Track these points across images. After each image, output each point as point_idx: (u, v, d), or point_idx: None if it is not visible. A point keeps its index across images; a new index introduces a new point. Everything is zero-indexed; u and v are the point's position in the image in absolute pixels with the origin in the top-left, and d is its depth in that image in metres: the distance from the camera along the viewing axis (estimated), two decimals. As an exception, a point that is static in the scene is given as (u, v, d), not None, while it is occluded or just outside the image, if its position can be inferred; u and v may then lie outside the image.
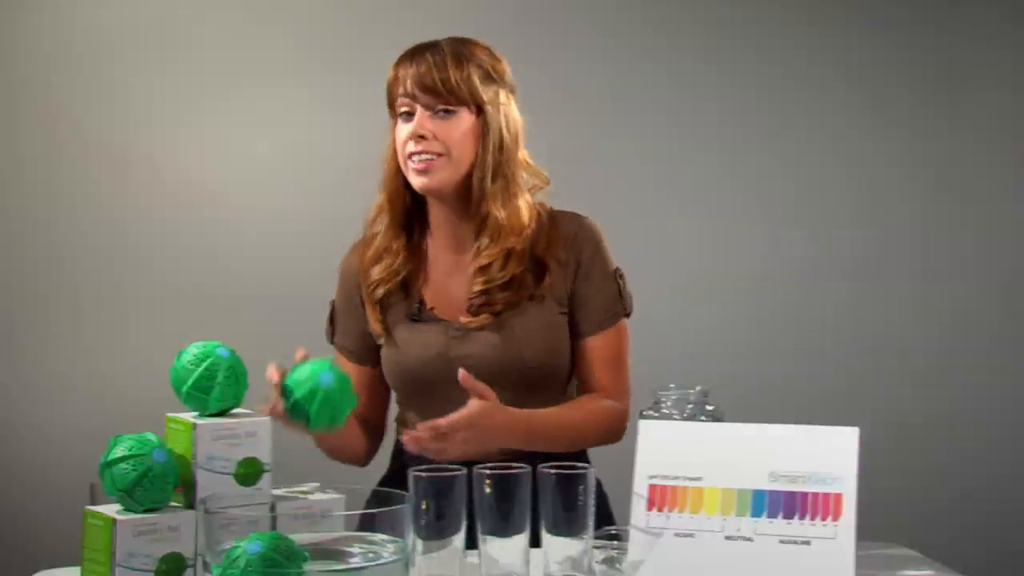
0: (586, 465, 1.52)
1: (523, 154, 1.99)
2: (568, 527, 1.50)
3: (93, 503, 1.59)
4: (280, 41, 3.23)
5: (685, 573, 1.49)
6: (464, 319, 1.95)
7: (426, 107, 1.92)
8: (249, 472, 1.59)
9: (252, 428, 1.60)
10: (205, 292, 3.17)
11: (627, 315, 2.01)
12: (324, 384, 1.62)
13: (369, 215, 2.04)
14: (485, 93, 1.93)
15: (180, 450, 1.58)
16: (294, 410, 1.63)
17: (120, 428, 1.64)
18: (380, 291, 2.00)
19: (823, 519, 1.47)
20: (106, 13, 3.19)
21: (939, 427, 3.31)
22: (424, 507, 1.46)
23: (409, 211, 2.01)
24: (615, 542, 1.57)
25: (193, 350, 1.62)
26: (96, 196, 3.17)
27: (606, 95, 3.29)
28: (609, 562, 1.55)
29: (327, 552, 1.40)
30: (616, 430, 1.98)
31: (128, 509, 1.53)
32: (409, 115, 1.93)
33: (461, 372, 1.78)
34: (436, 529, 1.46)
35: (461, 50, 1.94)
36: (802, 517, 1.48)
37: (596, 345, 1.98)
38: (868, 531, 1.54)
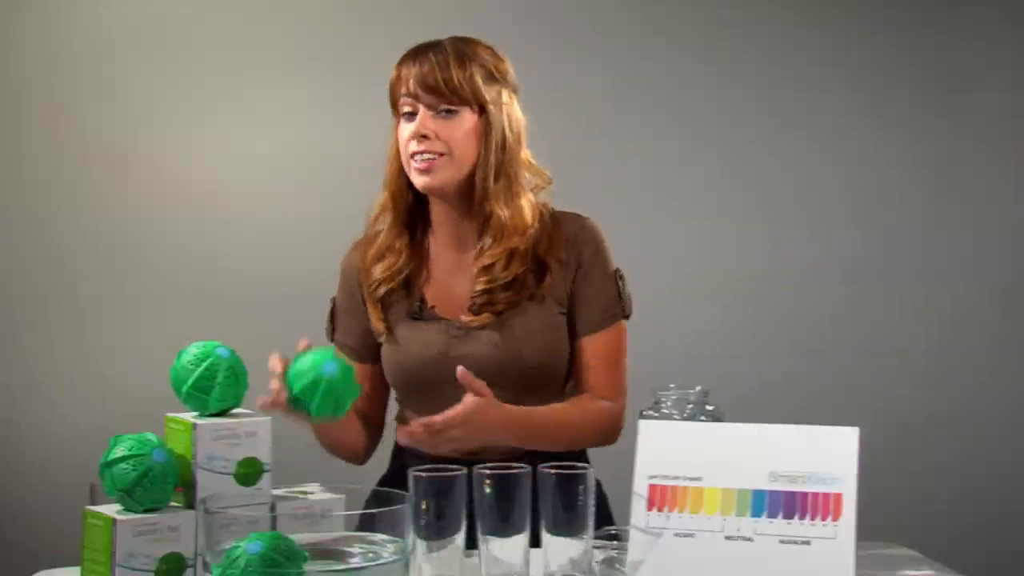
0: (586, 465, 1.52)
1: (526, 154, 1.99)
2: (568, 527, 1.49)
3: (93, 503, 1.59)
4: (280, 41, 3.23)
5: (685, 573, 1.49)
6: (465, 318, 1.95)
7: (428, 107, 1.92)
8: (249, 472, 1.59)
9: (252, 428, 1.60)
10: (205, 292, 3.17)
11: (626, 317, 2.01)
12: (327, 374, 1.62)
13: (372, 213, 2.04)
14: (488, 93, 1.93)
15: (180, 450, 1.58)
16: (297, 400, 1.63)
17: (120, 428, 1.64)
18: (382, 290, 2.00)
19: (823, 519, 1.47)
20: (106, 13, 3.19)
21: (939, 427, 3.31)
22: (424, 507, 1.46)
23: (412, 210, 2.02)
24: (615, 542, 1.57)
25: (193, 350, 1.62)
26: (96, 196, 3.17)
27: (606, 95, 3.29)
28: (609, 562, 1.55)
29: (327, 552, 1.40)
30: (610, 431, 1.98)
31: (128, 509, 1.53)
32: (412, 115, 1.93)
33: (460, 370, 1.78)
34: (436, 529, 1.46)
35: (464, 50, 1.94)
36: (802, 517, 1.48)
37: (594, 345, 1.98)
38: (868, 531, 1.54)
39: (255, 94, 3.22)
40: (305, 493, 1.60)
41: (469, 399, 1.78)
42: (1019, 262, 3.37)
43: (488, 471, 1.49)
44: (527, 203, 1.97)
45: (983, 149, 3.38)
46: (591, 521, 1.51)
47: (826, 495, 1.48)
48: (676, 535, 1.51)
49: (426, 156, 1.92)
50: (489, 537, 1.49)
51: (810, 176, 3.36)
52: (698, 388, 1.72)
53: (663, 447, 1.56)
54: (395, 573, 1.38)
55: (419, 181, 1.94)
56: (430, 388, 1.93)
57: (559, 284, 1.97)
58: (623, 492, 1.61)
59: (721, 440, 1.55)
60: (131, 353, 3.12)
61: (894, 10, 3.35)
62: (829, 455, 1.49)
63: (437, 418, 1.78)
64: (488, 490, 1.49)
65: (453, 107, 1.92)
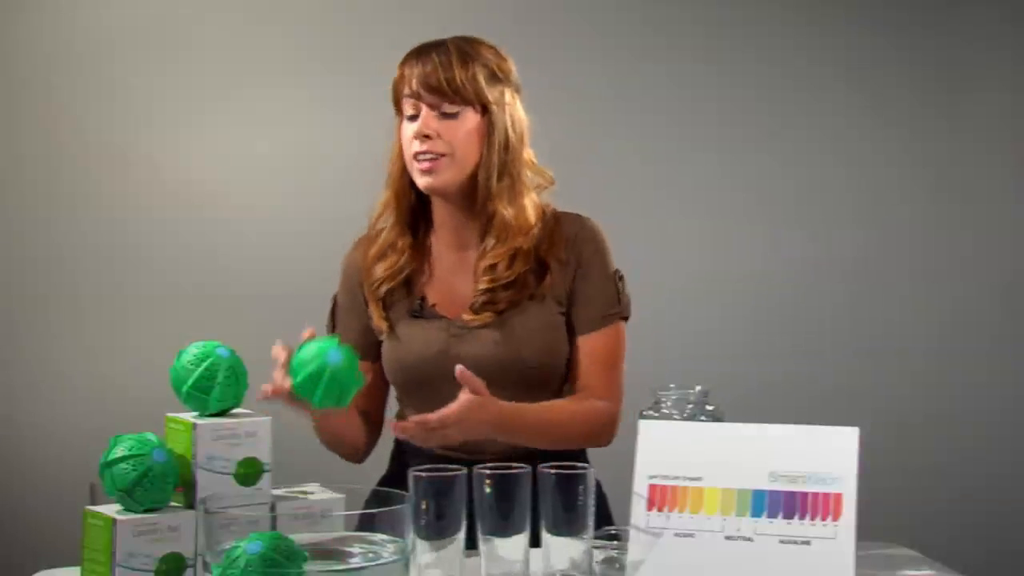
0: (586, 465, 1.53)
1: (528, 153, 2.00)
2: (568, 527, 1.50)
3: (93, 503, 1.59)
4: (280, 41, 3.23)
5: (685, 573, 1.49)
6: (467, 316, 1.95)
7: (431, 107, 1.92)
8: (249, 472, 1.59)
9: (252, 428, 1.60)
10: (205, 292, 3.17)
11: (624, 318, 2.01)
12: (332, 362, 1.61)
13: (374, 212, 2.04)
14: (490, 93, 1.94)
15: (180, 450, 1.58)
16: (301, 388, 1.62)
17: (120, 428, 1.64)
18: (383, 288, 2.00)
19: (823, 519, 1.47)
20: (106, 13, 3.19)
21: (939, 427, 3.31)
22: (424, 507, 1.46)
23: (414, 209, 2.02)
24: (615, 542, 1.57)
25: (193, 350, 1.62)
26: (96, 196, 3.17)
27: (606, 95, 3.29)
28: (609, 562, 1.55)
29: (327, 552, 1.40)
30: (603, 433, 1.97)
31: (128, 509, 1.53)
32: (415, 116, 1.93)
33: (458, 368, 1.78)
34: (436, 529, 1.46)
35: (467, 49, 1.94)
36: (802, 517, 1.48)
37: (590, 344, 1.98)
38: (868, 531, 1.54)
39: (255, 94, 3.22)
40: (305, 493, 1.60)
41: (464, 398, 1.78)
42: (1019, 262, 3.37)
43: (488, 471, 1.50)
44: (530, 202, 1.98)
45: (983, 149, 3.38)
46: (591, 521, 1.51)
47: (826, 495, 1.48)
48: (676, 535, 1.51)
49: (429, 156, 1.92)
50: (489, 537, 1.49)
51: (810, 176, 3.36)
52: (698, 388, 1.72)
53: (663, 447, 1.55)
54: (395, 573, 1.38)
55: (422, 182, 1.94)
56: (430, 386, 1.93)
57: (559, 283, 1.97)
58: (623, 492, 1.60)
59: (721, 440, 1.55)
60: (131, 353, 3.12)
61: (894, 10, 3.35)
62: (829, 455, 1.49)
63: (432, 416, 1.78)
64: (488, 490, 1.49)
65: (456, 107, 1.92)
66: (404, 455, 2.02)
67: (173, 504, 1.57)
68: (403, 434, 1.82)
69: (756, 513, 1.49)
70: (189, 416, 1.61)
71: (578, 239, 1.99)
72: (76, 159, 3.17)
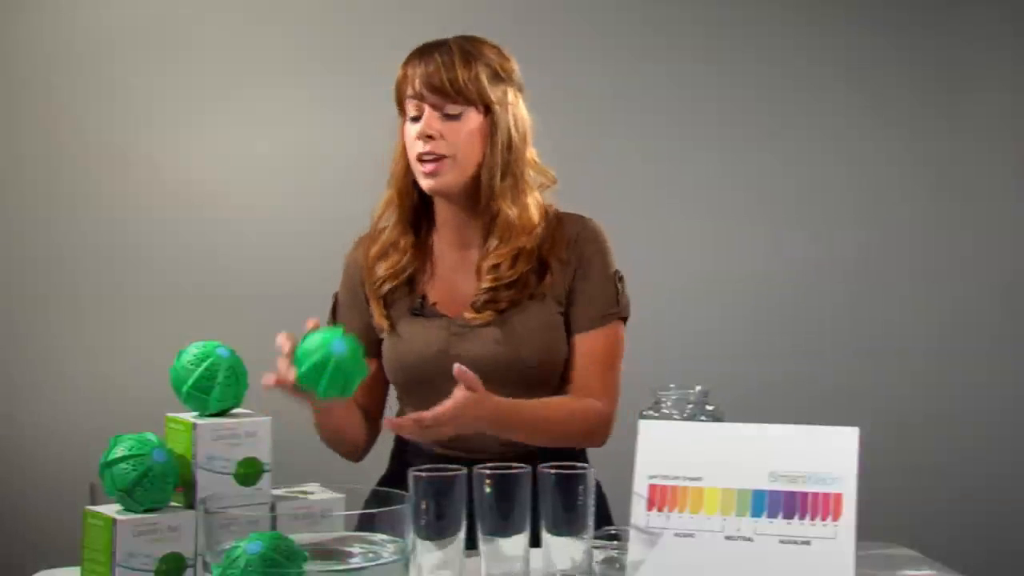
0: (586, 465, 1.53)
1: (531, 152, 2.00)
2: (568, 527, 1.50)
3: (93, 503, 1.59)
4: (280, 41, 3.23)
5: (685, 573, 1.49)
6: (468, 315, 1.95)
7: (434, 107, 1.92)
8: (249, 472, 1.59)
9: (252, 428, 1.60)
10: (205, 292, 3.17)
11: (623, 319, 2.01)
12: (337, 352, 1.61)
13: (376, 210, 2.04)
14: (493, 93, 1.94)
15: (180, 450, 1.58)
16: (306, 378, 1.62)
17: (120, 428, 1.64)
18: (385, 287, 2.01)
19: (823, 519, 1.47)
20: (106, 13, 3.19)
21: (939, 427, 3.31)
22: (424, 507, 1.46)
23: (416, 208, 2.02)
24: (615, 542, 1.58)
25: (193, 350, 1.62)
26: (96, 196, 3.17)
27: (607, 95, 3.29)
28: (609, 562, 1.55)
29: (327, 552, 1.40)
30: (597, 432, 1.97)
31: (128, 509, 1.53)
32: (417, 116, 1.94)
33: (456, 366, 1.78)
34: (436, 529, 1.46)
35: (469, 49, 1.94)
36: (802, 517, 1.48)
37: (587, 343, 1.97)
38: (868, 531, 1.54)
39: (255, 94, 3.22)
40: (305, 493, 1.60)
41: (459, 395, 1.77)
42: (1019, 262, 3.37)
43: (488, 471, 1.50)
44: (533, 202, 1.98)
45: (983, 149, 3.38)
46: (591, 521, 1.51)
47: (826, 495, 1.48)
48: (676, 535, 1.51)
49: (431, 158, 1.92)
50: (489, 537, 1.49)
51: (810, 176, 3.36)
52: (698, 388, 1.72)
53: (663, 447, 1.55)
54: (395, 573, 1.38)
55: (425, 184, 1.95)
56: (430, 385, 1.93)
57: (559, 283, 1.97)
58: (623, 492, 1.60)
59: (721, 440, 1.55)
60: (131, 353, 3.13)
61: (894, 10, 3.35)
62: (829, 455, 1.49)
63: (427, 414, 1.78)
64: (488, 490, 1.49)
65: (458, 108, 1.92)
66: (404, 455, 2.02)
67: (173, 504, 1.57)
68: (398, 430, 1.83)
69: (756, 513, 1.49)
70: (189, 416, 1.61)
71: (580, 239, 1.99)
72: (76, 159, 3.17)
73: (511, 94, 1.97)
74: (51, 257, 3.17)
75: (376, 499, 1.51)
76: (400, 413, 2.07)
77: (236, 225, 3.20)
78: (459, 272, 2.00)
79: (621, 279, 2.02)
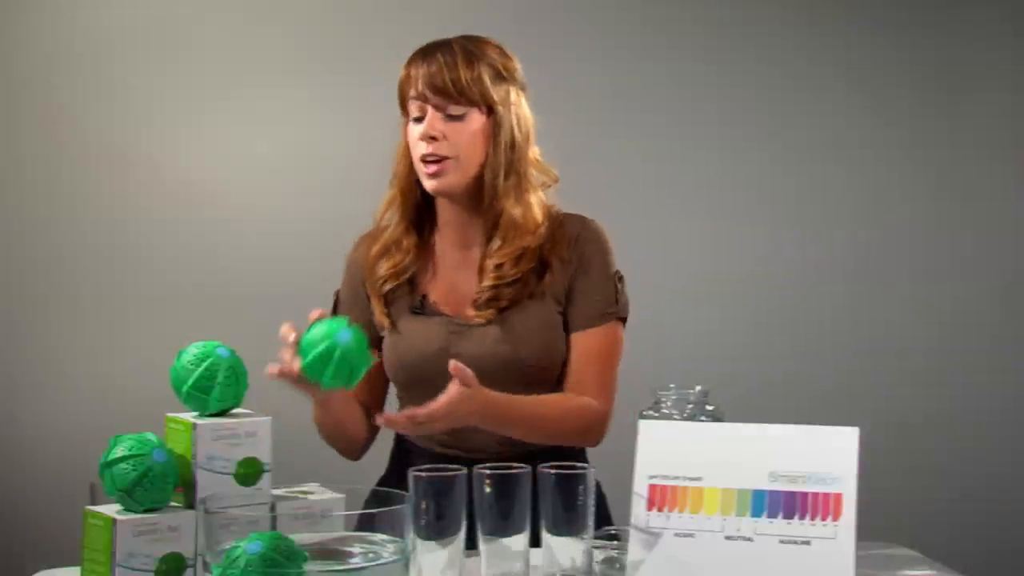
0: (586, 465, 1.53)
1: (534, 151, 2.00)
2: (568, 527, 1.50)
3: (93, 503, 1.59)
4: (280, 41, 3.23)
5: (685, 573, 1.49)
6: (470, 311, 1.96)
7: (437, 108, 1.92)
8: (249, 472, 1.59)
9: (252, 428, 1.60)
10: (205, 292, 3.17)
11: (622, 320, 2.01)
12: (343, 342, 1.61)
13: (379, 210, 2.04)
14: (496, 92, 1.94)
15: (180, 450, 1.58)
16: (311, 368, 1.62)
17: (120, 428, 1.64)
18: (387, 286, 2.01)
19: (823, 519, 1.47)
20: (106, 13, 3.19)
21: (939, 427, 3.31)
22: (424, 507, 1.46)
23: (419, 207, 2.02)
24: (615, 542, 1.58)
25: (193, 350, 1.62)
26: (96, 196, 3.17)
27: (606, 95, 3.29)
28: (609, 562, 1.55)
29: (327, 552, 1.40)
30: (592, 431, 1.97)
31: (128, 509, 1.53)
32: (420, 117, 1.94)
33: (452, 363, 1.78)
34: (436, 529, 1.46)
35: (472, 49, 1.94)
36: (802, 517, 1.48)
37: (585, 341, 1.97)
38: (868, 531, 1.54)
39: (255, 94, 3.22)
40: (305, 493, 1.60)
41: (453, 391, 1.77)
42: (1019, 262, 3.38)
43: (488, 471, 1.50)
44: (537, 200, 1.98)
45: (983, 149, 3.38)
46: (591, 521, 1.51)
47: (826, 495, 1.48)
48: (676, 535, 1.51)
49: (435, 159, 1.92)
50: (489, 537, 1.49)
51: (810, 176, 3.36)
52: (698, 388, 1.72)
53: (663, 447, 1.55)
54: (395, 573, 1.38)
55: (428, 184, 1.95)
56: (429, 383, 1.93)
57: (558, 282, 1.97)
58: (623, 492, 1.61)
59: (721, 440, 1.55)
60: (131, 353, 3.13)
61: (894, 10, 3.35)
62: (829, 455, 1.49)
63: (420, 411, 1.78)
64: (488, 490, 1.49)
65: (461, 108, 1.92)
66: (404, 455, 2.02)
67: (173, 504, 1.57)
68: (392, 426, 1.83)
69: (756, 513, 1.49)
70: (189, 416, 1.61)
71: (580, 239, 2.00)
72: (76, 159, 3.17)
73: (514, 94, 1.97)
74: (51, 257, 3.17)
75: (376, 499, 1.51)
76: (398, 411, 2.07)
77: (236, 225, 3.20)
78: (460, 271, 2.00)
79: (621, 279, 2.02)
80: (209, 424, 1.58)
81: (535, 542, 1.51)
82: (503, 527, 1.49)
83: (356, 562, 1.38)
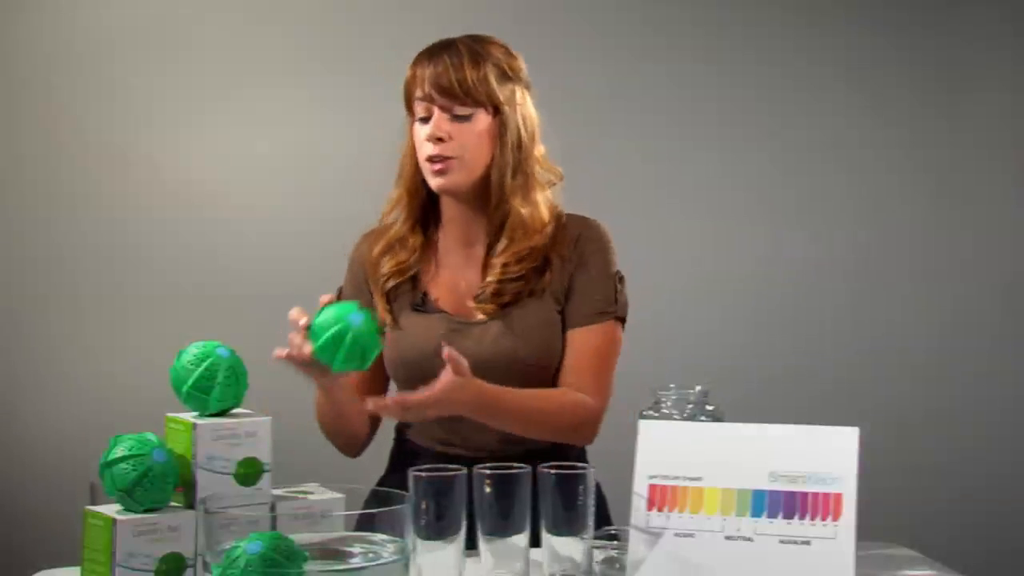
0: (586, 465, 1.53)
1: (539, 150, 2.00)
2: (568, 527, 1.50)
3: (93, 503, 1.59)
4: (280, 41, 3.23)
5: (685, 573, 1.49)
6: (471, 304, 1.96)
7: (443, 108, 1.93)
8: (249, 472, 1.59)
9: (252, 428, 1.60)
10: (205, 292, 3.17)
11: (620, 320, 2.01)
12: (355, 325, 1.61)
13: (385, 207, 2.04)
14: (502, 92, 1.94)
15: (180, 450, 1.58)
16: (322, 351, 1.62)
17: (120, 428, 1.64)
18: (390, 283, 2.01)
19: (823, 519, 1.47)
20: (106, 13, 3.19)
21: (939, 426, 3.31)
22: (424, 507, 1.46)
23: (425, 206, 2.03)
24: (615, 542, 1.58)
25: (193, 350, 1.62)
26: (96, 196, 3.17)
27: (606, 95, 3.29)
28: (609, 562, 1.55)
29: (327, 552, 1.40)
30: (585, 428, 1.96)
31: (128, 509, 1.53)
32: (427, 117, 1.94)
33: (446, 349, 1.78)
34: (436, 529, 1.46)
35: (477, 49, 1.95)
36: (802, 517, 1.48)
37: (582, 338, 1.97)
38: (868, 531, 1.54)
39: (255, 94, 3.22)
40: (305, 493, 1.60)
41: (445, 379, 1.77)
42: (1019, 262, 3.38)
43: (488, 471, 1.50)
44: (543, 199, 1.99)
45: (983, 149, 3.38)
46: (591, 521, 1.51)
47: (826, 495, 1.48)
48: (676, 535, 1.51)
49: (440, 159, 1.92)
50: (489, 537, 1.49)
51: (810, 176, 3.36)
52: (698, 388, 1.72)
53: (663, 447, 1.56)
54: (395, 573, 1.38)
55: (434, 182, 1.95)
56: (429, 380, 1.92)
57: (558, 280, 1.98)
58: (623, 492, 1.61)
59: (721, 440, 1.55)
60: (131, 353, 3.12)
61: (894, 10, 3.35)
62: (829, 455, 1.50)
63: (412, 397, 1.78)
64: (488, 490, 1.49)
65: (468, 109, 1.92)
66: (404, 455, 2.02)
67: (173, 504, 1.57)
68: (382, 411, 1.83)
69: (756, 513, 1.49)
70: (189, 416, 1.61)
71: (582, 238, 2.00)
72: (76, 159, 3.17)
73: (519, 93, 1.98)
74: (51, 257, 3.17)
75: (376, 499, 1.51)
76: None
77: (236, 225, 3.20)
78: (463, 269, 2.01)
79: (622, 280, 2.02)
80: (209, 424, 1.58)
81: (535, 542, 1.51)
82: (503, 527, 1.49)
83: (356, 562, 1.38)
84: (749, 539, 1.49)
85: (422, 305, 2.00)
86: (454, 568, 1.47)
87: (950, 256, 3.36)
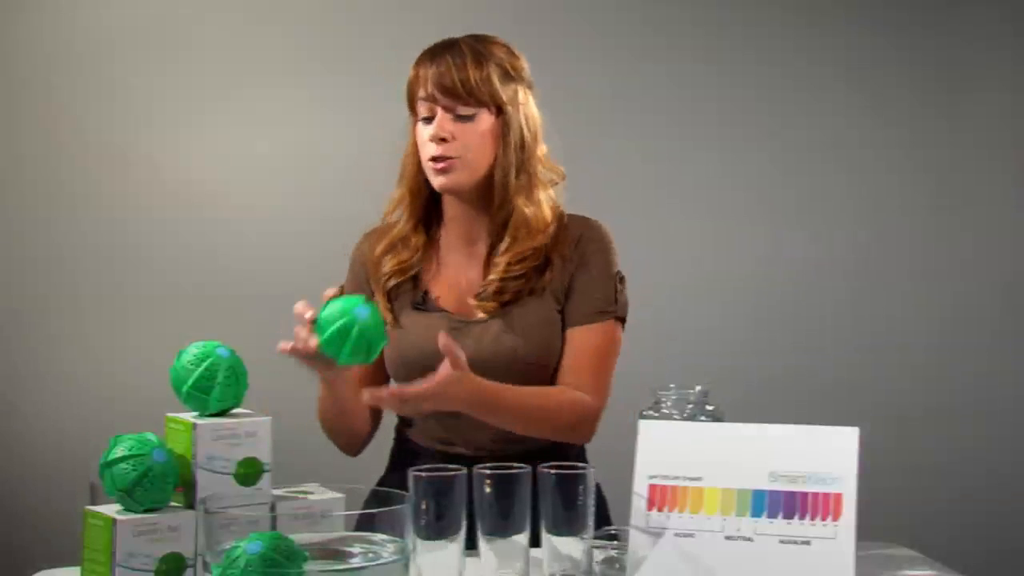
0: (586, 465, 1.53)
1: (542, 149, 2.01)
2: (568, 527, 1.50)
3: (93, 503, 1.59)
4: (280, 41, 3.23)
5: (685, 573, 1.49)
6: (472, 301, 1.96)
7: (446, 109, 1.93)
8: (249, 472, 1.59)
9: (252, 428, 1.60)
10: (205, 292, 3.17)
11: (620, 320, 2.01)
12: (361, 318, 1.61)
13: (387, 206, 2.04)
14: (504, 92, 1.94)
15: (180, 450, 1.58)
16: (328, 344, 1.62)
17: (120, 428, 1.64)
18: (392, 282, 2.01)
19: (823, 519, 1.47)
20: (106, 13, 3.19)
21: (939, 425, 3.31)
22: (424, 507, 1.46)
23: (427, 205, 2.03)
24: (615, 542, 1.58)
25: (193, 350, 1.62)
26: (96, 196, 3.17)
27: (606, 95, 3.29)
28: (609, 562, 1.55)
29: (327, 552, 1.40)
30: (582, 426, 1.96)
31: (128, 509, 1.53)
32: (430, 117, 1.94)
33: (442, 337, 1.77)
34: (436, 529, 1.46)
35: (480, 49, 1.95)
36: (802, 517, 1.48)
37: (581, 337, 1.97)
38: (868, 531, 1.54)
39: (255, 94, 3.22)
40: (305, 493, 1.60)
41: (443, 372, 1.77)
42: (1019, 261, 3.38)
43: (488, 471, 1.50)
44: (546, 198, 1.99)
45: (983, 149, 3.38)
46: (591, 521, 1.51)
47: (826, 495, 1.48)
48: (676, 535, 1.51)
49: (444, 159, 1.92)
50: (489, 537, 1.49)
51: (810, 176, 3.36)
52: (698, 388, 1.72)
53: (663, 447, 1.56)
54: (395, 573, 1.38)
55: (436, 181, 1.96)
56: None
57: (558, 279, 1.98)
58: (623, 492, 1.61)
59: (721, 440, 1.55)
60: (131, 353, 3.13)
61: (894, 10, 3.35)
62: (829, 455, 1.50)
63: (409, 389, 1.78)
64: (488, 490, 1.49)
65: (471, 109, 1.92)
66: (405, 455, 2.02)
67: (173, 504, 1.57)
68: (378, 403, 1.83)
69: (756, 513, 1.49)
70: (189, 416, 1.61)
71: (583, 239, 2.00)
72: (76, 159, 3.17)
73: (522, 93, 1.98)
74: (51, 257, 3.17)
75: (376, 499, 1.51)
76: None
77: (236, 225, 3.20)
78: (464, 268, 2.01)
79: (623, 280, 2.02)
80: (209, 424, 1.58)
81: (535, 542, 1.51)
82: (503, 527, 1.49)
83: (356, 562, 1.38)
84: (749, 539, 1.49)
85: (423, 304, 2.00)
86: (454, 568, 1.47)
87: (950, 256, 3.36)
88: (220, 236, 3.20)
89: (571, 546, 1.50)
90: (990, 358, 3.34)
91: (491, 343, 1.94)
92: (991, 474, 3.33)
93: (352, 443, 2.04)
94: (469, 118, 1.93)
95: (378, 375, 2.04)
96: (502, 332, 1.94)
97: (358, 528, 1.43)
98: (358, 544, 1.41)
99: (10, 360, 3.16)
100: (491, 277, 1.95)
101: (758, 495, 1.50)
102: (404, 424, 2.07)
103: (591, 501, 1.51)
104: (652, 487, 1.54)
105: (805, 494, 1.49)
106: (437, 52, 1.95)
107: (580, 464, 1.53)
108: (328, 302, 1.65)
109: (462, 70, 1.92)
